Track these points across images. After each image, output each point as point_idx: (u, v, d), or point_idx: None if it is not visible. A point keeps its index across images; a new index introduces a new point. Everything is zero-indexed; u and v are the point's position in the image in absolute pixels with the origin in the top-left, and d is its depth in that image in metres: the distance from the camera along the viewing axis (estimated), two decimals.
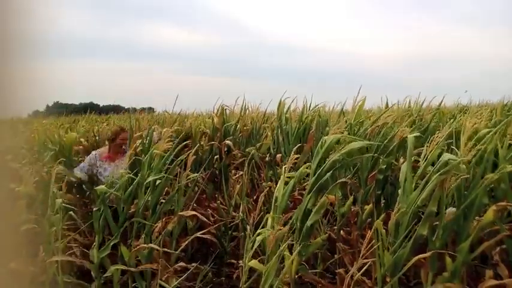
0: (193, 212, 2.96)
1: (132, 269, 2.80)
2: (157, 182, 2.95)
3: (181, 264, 2.96)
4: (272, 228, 2.25)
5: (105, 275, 2.87)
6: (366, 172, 3.09)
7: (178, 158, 3.16)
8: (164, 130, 3.49)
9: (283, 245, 2.13)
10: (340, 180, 2.54)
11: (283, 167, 2.60)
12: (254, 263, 2.22)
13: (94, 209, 2.89)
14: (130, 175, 2.99)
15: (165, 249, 2.83)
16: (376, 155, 2.97)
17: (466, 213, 2.21)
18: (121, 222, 2.92)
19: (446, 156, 2.13)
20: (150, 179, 2.91)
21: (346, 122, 3.40)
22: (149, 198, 2.93)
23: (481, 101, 8.20)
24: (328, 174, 2.43)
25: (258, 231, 2.26)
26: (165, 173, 2.98)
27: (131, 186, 2.94)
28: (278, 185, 2.48)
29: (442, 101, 5.05)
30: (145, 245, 2.75)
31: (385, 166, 3.00)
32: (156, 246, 2.73)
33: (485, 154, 2.38)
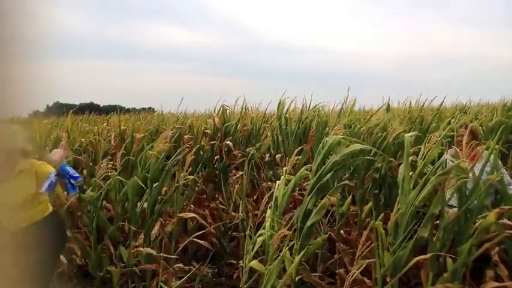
0: (192, 214, 2.94)
1: (134, 268, 2.79)
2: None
3: (180, 265, 2.95)
4: (272, 229, 2.24)
5: (102, 274, 2.86)
6: (363, 171, 3.09)
7: (176, 158, 3.14)
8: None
9: (285, 247, 2.11)
10: (342, 183, 2.52)
11: (284, 168, 2.58)
12: (255, 263, 2.21)
13: (86, 212, 2.88)
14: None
15: (164, 255, 2.81)
16: (373, 157, 2.96)
17: (467, 215, 2.20)
18: (117, 224, 2.91)
19: (445, 156, 2.12)
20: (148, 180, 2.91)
21: (343, 119, 3.38)
22: (147, 199, 2.93)
23: (481, 101, 8.20)
24: (329, 175, 2.43)
25: (260, 231, 2.25)
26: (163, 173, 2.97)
27: (124, 188, 2.93)
28: (278, 186, 2.47)
29: (442, 102, 5.05)
30: (142, 249, 2.74)
31: (381, 165, 2.98)
32: (152, 251, 2.72)
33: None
